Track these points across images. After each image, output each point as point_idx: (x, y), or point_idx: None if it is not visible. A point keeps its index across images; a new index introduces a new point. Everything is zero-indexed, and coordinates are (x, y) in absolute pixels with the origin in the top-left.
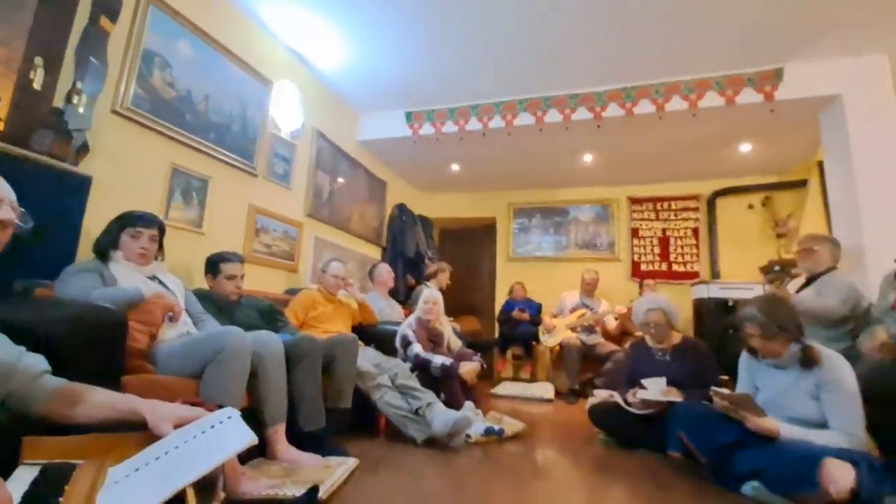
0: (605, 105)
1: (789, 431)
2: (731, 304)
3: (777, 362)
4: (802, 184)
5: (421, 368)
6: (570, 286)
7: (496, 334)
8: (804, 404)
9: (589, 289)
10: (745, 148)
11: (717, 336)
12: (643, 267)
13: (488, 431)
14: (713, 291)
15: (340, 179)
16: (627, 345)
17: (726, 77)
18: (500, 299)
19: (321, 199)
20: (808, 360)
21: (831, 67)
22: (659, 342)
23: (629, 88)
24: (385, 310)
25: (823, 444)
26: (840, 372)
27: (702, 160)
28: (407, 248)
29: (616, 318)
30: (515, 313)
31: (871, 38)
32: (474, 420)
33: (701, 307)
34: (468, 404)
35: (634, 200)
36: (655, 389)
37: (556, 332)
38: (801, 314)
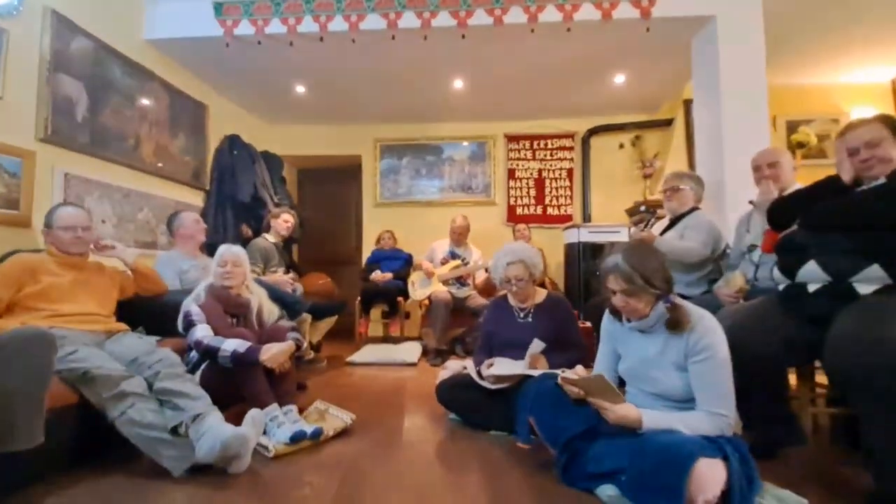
0: (471, 10)
1: (653, 421)
2: (600, 246)
3: (641, 325)
4: (669, 123)
5: (209, 358)
6: (445, 234)
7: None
8: (669, 377)
9: (459, 237)
10: (620, 79)
11: (586, 281)
12: (519, 211)
13: (296, 437)
14: (583, 235)
15: (116, 94)
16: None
17: None
18: (368, 249)
19: (72, 119)
20: (676, 322)
21: None
22: (522, 301)
23: None
24: (190, 272)
25: (690, 435)
26: (711, 337)
27: (577, 92)
28: (240, 190)
29: (487, 271)
30: (374, 275)
31: None
32: (281, 423)
33: (571, 252)
34: (265, 411)
35: (511, 138)
36: (515, 364)
37: (429, 284)
38: (666, 254)
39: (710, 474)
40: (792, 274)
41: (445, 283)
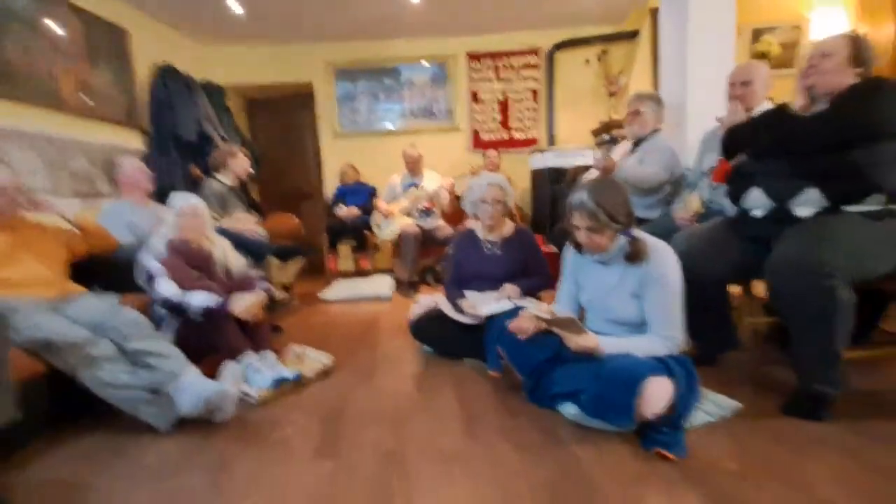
0: None
1: (610, 347)
2: (567, 171)
3: (601, 257)
4: (635, 35)
5: (176, 314)
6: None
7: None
8: (626, 304)
9: (413, 166)
10: None
11: (553, 206)
12: (484, 136)
13: (278, 382)
14: (549, 160)
15: (15, 22)
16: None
17: None
18: (330, 182)
19: None
20: (635, 255)
21: None
22: (490, 230)
23: None
24: (140, 224)
25: (644, 356)
26: (665, 268)
27: (541, 2)
28: (182, 127)
29: (450, 193)
30: (338, 211)
31: None
32: (258, 369)
33: (538, 177)
34: (242, 362)
35: (473, 57)
36: (498, 301)
37: (393, 222)
38: (627, 182)
39: (657, 391)
40: (738, 199)
41: (409, 215)
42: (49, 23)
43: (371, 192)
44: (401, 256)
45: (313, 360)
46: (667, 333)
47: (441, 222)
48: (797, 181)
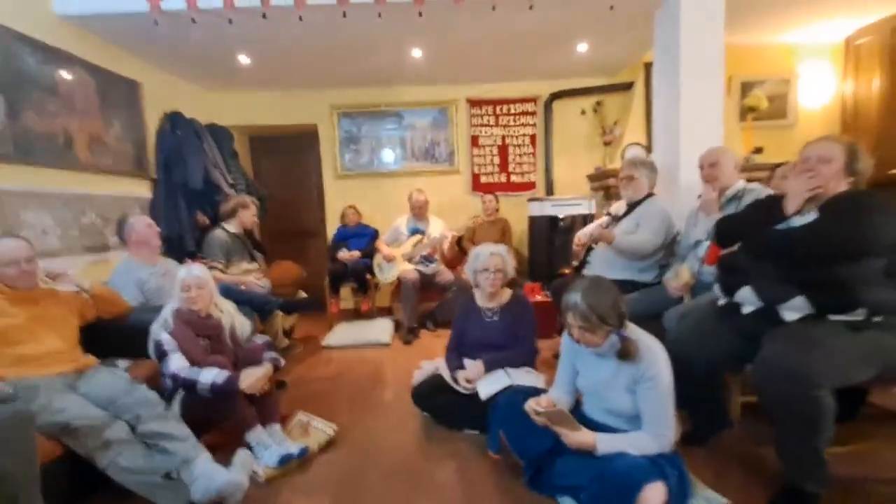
0: None
1: (605, 445)
2: (562, 219)
3: (595, 351)
4: (629, 86)
5: (186, 390)
6: (409, 205)
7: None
8: (621, 397)
9: (419, 212)
10: (583, 48)
11: (548, 253)
12: (483, 179)
13: (284, 460)
14: (546, 208)
15: (34, 88)
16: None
17: None
18: (332, 221)
19: None
20: (626, 354)
21: None
22: (490, 299)
23: None
24: (150, 281)
25: (638, 458)
26: (657, 368)
27: (540, 57)
28: (190, 175)
29: (452, 239)
30: (341, 255)
31: None
32: (268, 445)
33: (536, 225)
34: (255, 434)
35: (474, 103)
36: (494, 381)
37: (394, 266)
38: (620, 252)
39: (653, 498)
40: (731, 293)
41: (411, 260)
42: (64, 83)
43: (373, 236)
44: (401, 301)
45: (318, 430)
46: (659, 432)
47: (441, 267)
48: (787, 286)
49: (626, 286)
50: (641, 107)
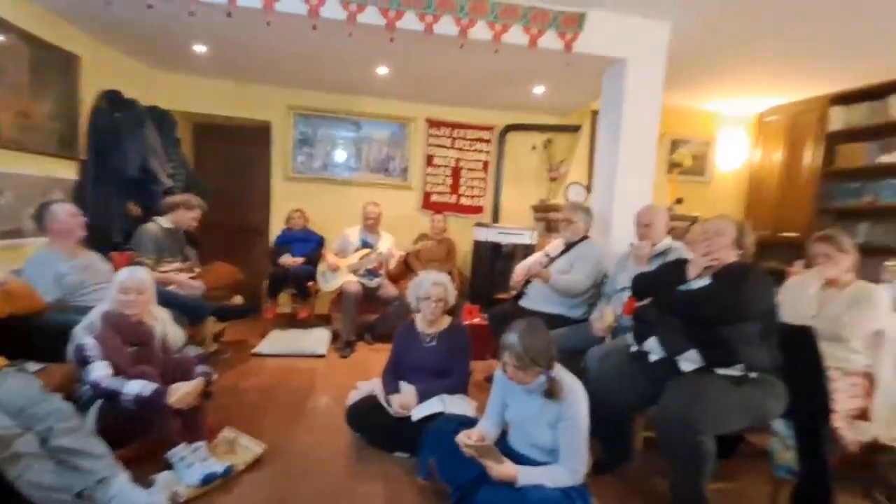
0: (401, 11)
1: (525, 478)
2: (504, 246)
3: (524, 387)
4: (577, 129)
5: (107, 399)
6: (359, 215)
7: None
8: (543, 432)
9: (371, 224)
10: (539, 90)
11: (489, 277)
12: (434, 198)
13: (207, 479)
14: (491, 235)
15: None
16: (397, 331)
17: (533, 10)
18: (277, 223)
19: None
20: (551, 393)
21: (624, 27)
22: (430, 325)
23: None
24: (70, 274)
25: (553, 490)
26: (577, 408)
27: (500, 91)
28: (126, 161)
29: (400, 258)
30: (284, 260)
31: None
32: (191, 463)
33: (480, 249)
34: (177, 450)
35: (433, 123)
36: (428, 406)
37: (338, 276)
38: (555, 290)
39: None
40: (640, 341)
41: (356, 272)
42: None
43: (318, 242)
44: (341, 312)
45: (245, 448)
46: (573, 467)
47: (385, 281)
48: (684, 341)
49: (557, 320)
50: (586, 149)
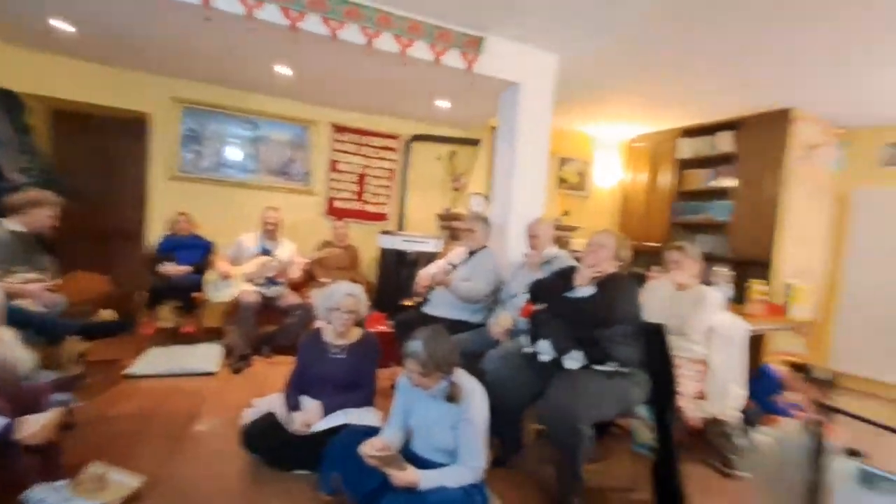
0: (303, 12)
1: (428, 481)
2: (409, 254)
3: (427, 392)
4: (477, 143)
5: None
6: (255, 221)
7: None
8: (446, 435)
9: (271, 231)
10: (444, 104)
11: (396, 287)
12: (338, 204)
13: None
14: (396, 243)
15: None
16: (301, 339)
17: (438, 29)
18: (157, 227)
19: None
20: (453, 397)
21: (519, 54)
22: (340, 336)
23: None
24: None
25: (455, 488)
26: (477, 410)
27: (406, 102)
28: None
29: (304, 266)
30: (165, 268)
31: (549, 34)
32: None
33: (385, 257)
34: (36, 491)
35: (338, 128)
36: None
37: (231, 284)
38: (457, 296)
39: None
40: (534, 343)
41: (253, 281)
42: None
43: (207, 249)
44: (236, 324)
45: (118, 483)
46: (473, 464)
47: (286, 290)
48: (570, 342)
49: (459, 325)
50: (486, 162)
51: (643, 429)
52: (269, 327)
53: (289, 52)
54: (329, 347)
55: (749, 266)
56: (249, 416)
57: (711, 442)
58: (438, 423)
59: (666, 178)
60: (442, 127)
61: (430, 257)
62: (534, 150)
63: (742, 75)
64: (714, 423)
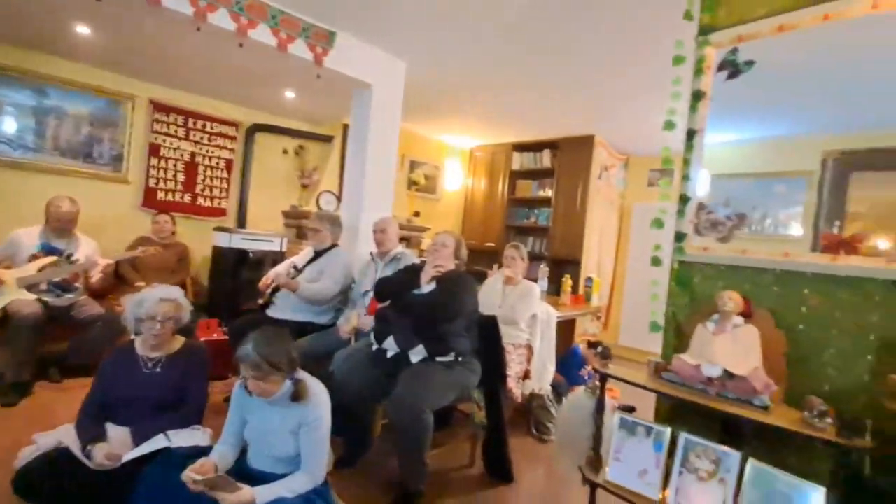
0: None
1: (263, 497)
2: (252, 253)
3: (267, 400)
4: (330, 139)
5: None
6: (41, 213)
7: None
8: (286, 442)
9: (63, 225)
10: (290, 95)
11: (233, 290)
12: (161, 195)
13: None
14: (235, 241)
15: None
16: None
17: (283, 14)
18: None
19: None
20: (298, 395)
21: (370, 55)
22: (155, 348)
23: None
24: None
25: (293, 496)
26: (320, 411)
27: (247, 88)
28: None
29: (106, 268)
30: None
31: (398, 41)
32: None
33: (221, 256)
34: None
35: (160, 107)
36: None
37: (3, 291)
38: (304, 298)
39: None
40: (380, 340)
41: (32, 288)
42: None
43: None
44: (5, 344)
45: None
46: (313, 469)
47: (83, 297)
48: (414, 337)
49: (306, 327)
50: (338, 160)
51: (477, 410)
52: (60, 344)
53: (92, 10)
54: (143, 362)
55: (564, 264)
56: (26, 456)
57: (532, 414)
58: (278, 431)
59: (501, 186)
60: (289, 119)
61: (276, 257)
62: (383, 151)
63: (557, 105)
64: (534, 398)
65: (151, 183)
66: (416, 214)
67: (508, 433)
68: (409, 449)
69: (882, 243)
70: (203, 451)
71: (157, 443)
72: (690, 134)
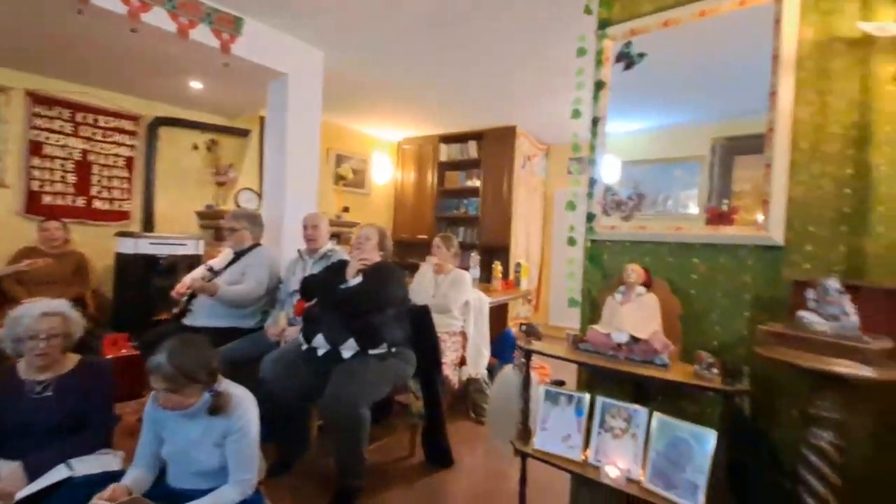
0: None
1: None
2: (162, 259)
3: (185, 413)
4: (246, 133)
5: None
6: None
7: None
8: (210, 455)
9: None
10: (196, 85)
11: (143, 300)
12: (48, 199)
13: None
14: (142, 246)
15: None
16: None
17: None
18: None
19: None
20: (218, 409)
21: (284, 43)
22: (42, 371)
23: None
24: None
25: None
26: (246, 418)
27: (147, 77)
28: None
29: None
30: None
31: (312, 29)
32: None
33: (126, 263)
34: None
35: (40, 99)
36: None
37: None
38: (226, 302)
39: None
40: (309, 340)
41: None
42: None
43: None
44: None
45: None
46: (243, 478)
47: None
48: (344, 332)
49: (230, 333)
50: (256, 155)
51: (414, 400)
52: None
53: None
54: (28, 386)
55: (493, 251)
56: None
57: (468, 398)
58: (200, 445)
59: (430, 178)
60: (198, 112)
61: (193, 261)
62: (305, 144)
63: (478, 97)
64: (471, 383)
65: (35, 186)
66: (346, 210)
67: (447, 419)
68: (347, 447)
69: (754, 216)
70: (114, 477)
71: (56, 474)
72: (595, 121)
